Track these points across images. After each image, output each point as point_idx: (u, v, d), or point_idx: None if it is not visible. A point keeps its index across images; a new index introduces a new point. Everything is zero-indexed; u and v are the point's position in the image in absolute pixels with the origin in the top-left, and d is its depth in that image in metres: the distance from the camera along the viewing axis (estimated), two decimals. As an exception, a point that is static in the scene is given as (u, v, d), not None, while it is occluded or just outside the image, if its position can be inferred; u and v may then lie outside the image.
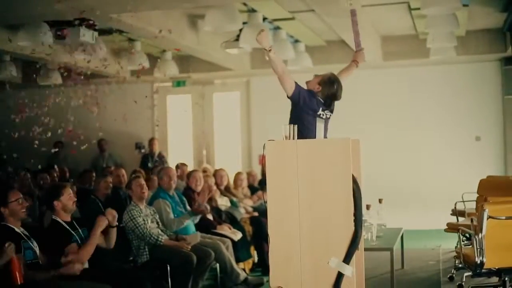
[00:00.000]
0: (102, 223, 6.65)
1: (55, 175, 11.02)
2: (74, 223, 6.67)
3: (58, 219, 6.57)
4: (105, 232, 6.90)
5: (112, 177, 9.46)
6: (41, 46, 10.02)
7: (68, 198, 6.61)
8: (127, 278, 6.56)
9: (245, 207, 10.71)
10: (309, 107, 5.89)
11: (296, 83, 5.93)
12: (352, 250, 4.73)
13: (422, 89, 14.21)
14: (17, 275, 5.54)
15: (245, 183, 11.53)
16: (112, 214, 6.95)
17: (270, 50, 5.74)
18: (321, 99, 6.04)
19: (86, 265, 6.47)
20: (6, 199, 6.10)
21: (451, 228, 9.40)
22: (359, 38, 6.69)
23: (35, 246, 6.16)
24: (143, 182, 8.20)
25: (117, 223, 7.03)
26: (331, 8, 8.66)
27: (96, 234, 6.57)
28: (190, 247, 8.01)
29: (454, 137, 14.09)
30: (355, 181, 4.82)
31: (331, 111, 6.17)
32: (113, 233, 7.00)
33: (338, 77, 6.33)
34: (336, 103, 6.30)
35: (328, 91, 6.12)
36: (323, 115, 6.00)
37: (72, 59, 10.73)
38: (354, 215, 4.76)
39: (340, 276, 4.72)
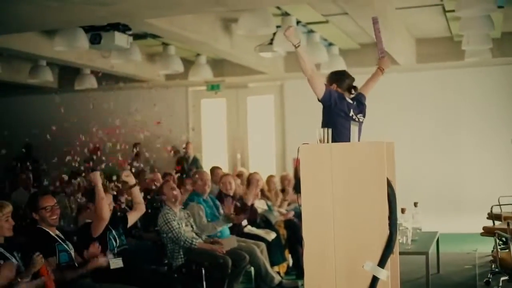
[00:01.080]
0: (95, 178, 6.60)
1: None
2: (109, 225, 6.72)
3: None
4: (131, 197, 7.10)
5: (147, 181, 9.52)
6: (77, 51, 10.17)
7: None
8: (161, 281, 6.60)
9: (279, 210, 10.70)
10: (341, 109, 5.86)
11: (326, 84, 5.91)
12: (387, 253, 4.71)
13: (457, 92, 14.11)
14: (48, 283, 5.56)
15: (277, 186, 11.53)
16: (126, 175, 7.03)
17: (298, 46, 5.67)
18: (350, 101, 6.02)
19: (121, 264, 6.50)
20: (37, 205, 6.14)
21: (487, 232, 9.32)
22: (382, 45, 6.64)
23: (70, 248, 6.20)
24: (173, 184, 8.26)
25: (134, 182, 7.12)
26: (365, 11, 8.64)
27: (99, 187, 6.50)
28: (225, 251, 8.02)
29: (489, 140, 13.96)
30: (389, 185, 4.79)
31: (364, 115, 6.14)
32: (136, 192, 7.12)
33: (365, 87, 6.39)
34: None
35: (345, 82, 6.12)
36: (356, 118, 5.98)
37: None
38: (389, 218, 4.74)
39: (375, 280, 4.70)
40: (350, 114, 5.93)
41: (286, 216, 10.55)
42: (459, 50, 11.84)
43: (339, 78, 6.18)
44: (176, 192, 8.15)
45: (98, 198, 6.47)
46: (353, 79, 6.20)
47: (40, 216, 6.10)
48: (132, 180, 7.09)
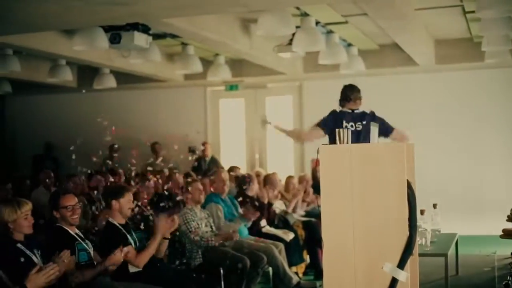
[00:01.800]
0: (162, 226, 6.64)
1: (111, 178, 11.09)
2: (129, 226, 6.73)
3: (114, 222, 6.64)
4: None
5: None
6: (96, 50, 10.22)
7: (126, 202, 6.67)
8: (180, 281, 6.60)
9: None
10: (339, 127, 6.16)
11: (316, 124, 6.96)
12: (407, 255, 4.69)
13: (476, 93, 14.04)
14: None
15: (297, 188, 11.51)
16: (174, 224, 7.00)
17: (270, 124, 6.41)
18: (348, 110, 6.46)
19: (140, 267, 6.51)
20: (58, 204, 6.15)
21: (507, 234, 9.26)
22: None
23: (90, 247, 6.22)
24: (201, 186, 8.27)
25: (169, 236, 7.05)
26: (385, 12, 8.62)
27: (157, 240, 6.59)
28: (238, 236, 8.15)
29: (509, 141, 13.88)
30: (409, 186, 4.78)
31: (364, 122, 6.50)
32: (165, 244, 6.99)
33: None
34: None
35: (344, 94, 7.26)
36: (355, 127, 6.24)
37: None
38: (409, 220, 4.72)
39: (394, 281, 4.69)
40: (344, 125, 6.24)
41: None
42: (479, 51, 11.77)
43: (342, 94, 7.35)
44: (202, 194, 8.20)
45: (149, 246, 6.54)
46: (350, 89, 6.93)
47: (61, 214, 6.11)
48: (167, 234, 7.03)
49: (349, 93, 7.19)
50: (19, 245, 5.49)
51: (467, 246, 10.64)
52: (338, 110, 7.47)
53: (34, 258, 5.51)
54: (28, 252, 5.51)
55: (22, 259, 5.41)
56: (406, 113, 13.69)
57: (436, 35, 12.69)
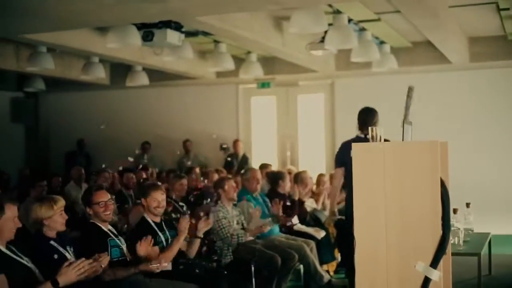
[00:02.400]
0: (184, 227, 6.65)
1: (143, 175, 11.15)
2: (163, 224, 6.74)
3: (148, 219, 6.67)
4: (189, 241, 6.96)
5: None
6: (129, 48, 10.26)
7: (153, 200, 6.68)
8: (210, 278, 6.60)
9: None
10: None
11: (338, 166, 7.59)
12: (440, 254, 4.66)
13: (510, 91, 13.91)
14: None
15: (327, 185, 11.48)
16: (206, 224, 7.01)
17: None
18: (362, 136, 6.67)
19: (169, 267, 6.50)
20: (91, 200, 6.17)
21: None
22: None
23: (122, 243, 6.23)
24: (234, 184, 8.28)
25: (202, 236, 7.07)
26: (418, 9, 8.56)
27: (180, 240, 6.59)
28: (268, 227, 8.20)
29: (543, 140, 13.76)
30: (443, 184, 4.74)
31: None
32: (197, 243, 7.03)
33: None
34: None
35: (360, 119, 7.59)
36: None
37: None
38: (442, 218, 4.68)
39: (427, 280, 4.66)
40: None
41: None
42: (513, 49, 11.69)
43: (359, 119, 7.66)
44: (236, 192, 8.21)
45: (172, 246, 6.56)
46: (367, 114, 7.60)
47: (93, 211, 6.14)
48: (201, 232, 7.06)
49: (365, 118, 7.56)
50: (52, 242, 5.52)
51: (500, 246, 10.56)
52: (351, 138, 7.68)
53: (67, 255, 5.53)
54: (61, 249, 5.54)
55: (56, 256, 5.44)
56: (439, 111, 13.62)
57: (470, 33, 12.59)
